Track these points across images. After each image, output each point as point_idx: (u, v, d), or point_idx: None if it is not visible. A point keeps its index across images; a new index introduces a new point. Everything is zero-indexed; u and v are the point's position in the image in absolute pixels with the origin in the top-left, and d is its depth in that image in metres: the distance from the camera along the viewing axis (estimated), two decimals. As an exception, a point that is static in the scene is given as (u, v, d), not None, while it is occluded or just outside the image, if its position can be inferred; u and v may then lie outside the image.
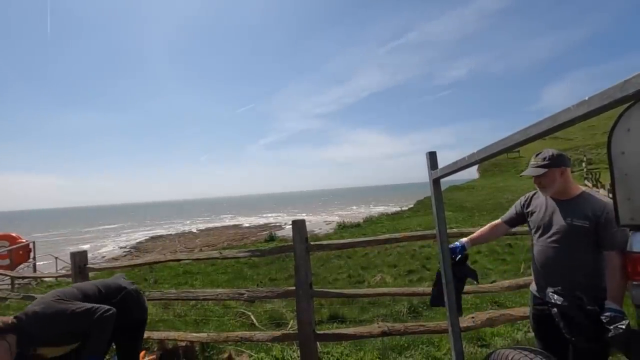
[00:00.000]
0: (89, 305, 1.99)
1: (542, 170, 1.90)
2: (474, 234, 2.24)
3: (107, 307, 2.01)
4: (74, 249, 4.32)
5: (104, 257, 21.23)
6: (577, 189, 1.95)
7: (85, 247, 24.18)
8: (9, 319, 1.82)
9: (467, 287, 3.62)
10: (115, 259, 19.47)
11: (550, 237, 1.93)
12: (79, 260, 3.69)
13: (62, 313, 1.91)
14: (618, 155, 1.84)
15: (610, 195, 1.92)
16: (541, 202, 2.03)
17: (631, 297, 1.81)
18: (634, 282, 1.76)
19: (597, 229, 1.81)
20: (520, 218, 2.14)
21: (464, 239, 2.17)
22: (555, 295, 1.71)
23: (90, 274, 3.98)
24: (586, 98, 0.83)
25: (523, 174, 2.01)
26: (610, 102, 0.78)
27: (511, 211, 2.19)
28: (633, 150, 1.78)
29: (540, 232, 1.99)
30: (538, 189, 1.99)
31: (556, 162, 1.91)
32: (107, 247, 26.69)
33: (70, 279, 3.81)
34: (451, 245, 2.07)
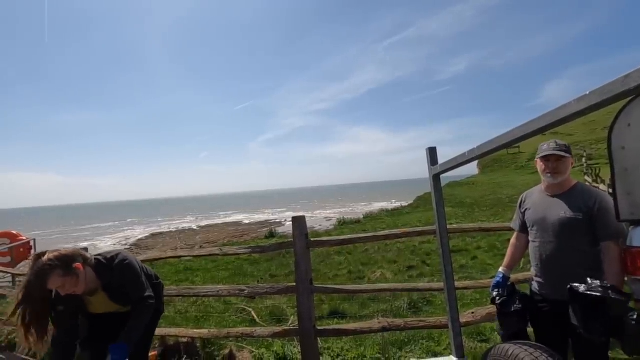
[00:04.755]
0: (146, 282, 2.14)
1: (566, 155, 1.89)
2: (506, 261, 2.16)
3: (153, 300, 2.13)
4: (73, 246, 4.33)
5: (104, 254, 21.23)
6: (571, 182, 1.96)
7: (86, 244, 24.19)
8: (91, 255, 2.01)
9: (467, 283, 3.64)
10: (116, 256, 19.43)
11: (546, 232, 1.93)
12: (80, 258, 3.70)
13: (137, 271, 2.06)
14: (618, 150, 1.84)
15: (610, 191, 1.92)
16: (535, 199, 2.04)
17: (631, 292, 1.82)
18: (634, 277, 1.77)
19: (592, 220, 1.81)
20: (523, 219, 2.13)
21: (501, 269, 2.11)
22: (582, 287, 1.58)
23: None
24: (587, 93, 0.83)
25: (546, 153, 1.92)
26: (611, 96, 0.77)
27: (517, 218, 2.18)
28: (633, 146, 1.78)
29: (536, 228, 1.99)
30: (549, 175, 1.93)
31: (570, 152, 1.92)
32: (107, 244, 26.72)
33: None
34: (493, 282, 2.04)
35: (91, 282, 1.96)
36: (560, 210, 1.89)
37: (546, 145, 1.95)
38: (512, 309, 1.89)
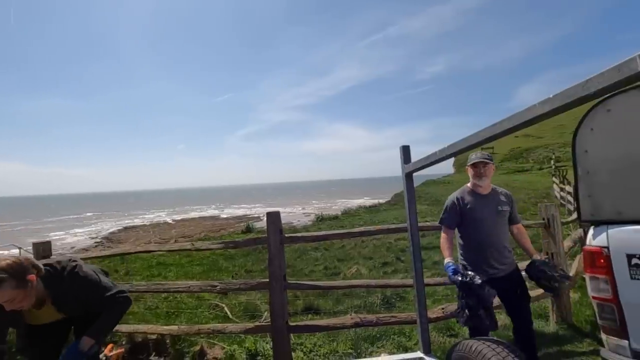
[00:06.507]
0: (112, 284, 1.98)
1: (489, 161, 2.42)
2: (449, 252, 2.42)
3: (127, 293, 1.99)
4: (39, 238, 4.12)
5: (73, 247, 20.42)
6: (491, 185, 2.50)
7: (54, 237, 23.16)
8: (41, 264, 1.77)
9: (439, 279, 3.72)
10: (85, 249, 18.77)
11: (488, 222, 2.40)
12: (43, 251, 3.52)
13: (93, 276, 1.89)
14: (582, 154, 1.92)
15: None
16: (471, 199, 2.46)
17: (588, 289, 1.90)
18: (591, 275, 1.85)
19: (511, 211, 2.49)
20: (460, 218, 2.48)
21: (450, 260, 2.33)
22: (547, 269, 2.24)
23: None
24: (550, 96, 0.85)
25: (475, 160, 2.43)
26: (573, 100, 0.80)
27: (452, 217, 2.49)
28: (595, 149, 1.86)
29: (477, 221, 2.41)
30: (477, 178, 2.43)
31: (492, 160, 2.46)
32: (77, 237, 25.68)
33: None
34: (452, 269, 2.23)
35: (40, 295, 1.75)
36: (497, 205, 2.44)
37: (474, 155, 2.44)
38: (482, 281, 2.14)
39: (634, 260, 1.69)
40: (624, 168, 1.75)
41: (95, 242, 22.38)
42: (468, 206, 2.43)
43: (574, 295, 4.05)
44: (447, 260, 2.32)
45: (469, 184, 2.56)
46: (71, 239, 24.72)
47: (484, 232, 2.40)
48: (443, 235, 2.48)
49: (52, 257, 2.00)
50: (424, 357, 1.74)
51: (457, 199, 2.47)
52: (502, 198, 2.46)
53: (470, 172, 2.48)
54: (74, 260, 1.89)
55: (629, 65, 0.63)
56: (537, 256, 2.42)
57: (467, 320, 2.13)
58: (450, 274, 2.20)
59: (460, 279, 2.13)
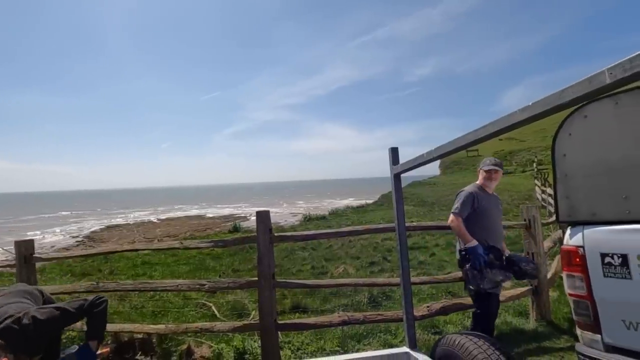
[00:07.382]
0: (78, 301, 1.88)
1: (499, 169, 2.94)
2: (470, 237, 2.72)
3: (96, 296, 1.94)
4: (19, 237, 4.03)
5: (53, 246, 19.86)
6: None
7: (35, 235, 22.47)
8: None
9: (424, 278, 3.80)
10: (66, 248, 18.29)
11: (495, 215, 2.93)
12: (25, 250, 3.46)
13: (53, 315, 1.74)
14: (560, 158, 2.01)
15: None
16: (482, 195, 2.91)
17: (565, 287, 2.00)
18: (568, 273, 1.95)
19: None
20: (472, 210, 2.85)
21: (475, 243, 2.68)
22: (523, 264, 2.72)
23: (37, 265, 3.74)
24: (530, 104, 0.91)
25: (488, 167, 2.91)
26: (550, 108, 0.86)
27: (467, 209, 2.84)
28: (573, 153, 1.96)
29: (488, 213, 2.87)
30: (489, 180, 2.94)
31: (502, 167, 2.99)
32: (57, 236, 24.98)
33: (13, 270, 3.57)
34: (482, 250, 2.63)
35: None
36: (499, 202, 3.03)
37: (488, 161, 2.97)
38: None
39: (607, 259, 1.79)
40: (599, 172, 1.84)
41: (77, 241, 21.82)
42: (482, 201, 2.86)
43: (552, 294, 4.20)
44: (475, 243, 2.67)
45: (478, 182, 3.00)
46: (52, 237, 24.06)
47: (490, 224, 2.86)
48: (457, 222, 2.78)
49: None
50: (410, 352, 1.79)
51: (473, 193, 2.87)
52: (498, 198, 3.06)
53: (483, 175, 2.95)
54: (23, 315, 1.70)
55: (598, 77, 0.69)
56: (507, 252, 2.93)
57: (481, 281, 2.57)
58: (485, 256, 2.59)
59: (507, 254, 2.75)
